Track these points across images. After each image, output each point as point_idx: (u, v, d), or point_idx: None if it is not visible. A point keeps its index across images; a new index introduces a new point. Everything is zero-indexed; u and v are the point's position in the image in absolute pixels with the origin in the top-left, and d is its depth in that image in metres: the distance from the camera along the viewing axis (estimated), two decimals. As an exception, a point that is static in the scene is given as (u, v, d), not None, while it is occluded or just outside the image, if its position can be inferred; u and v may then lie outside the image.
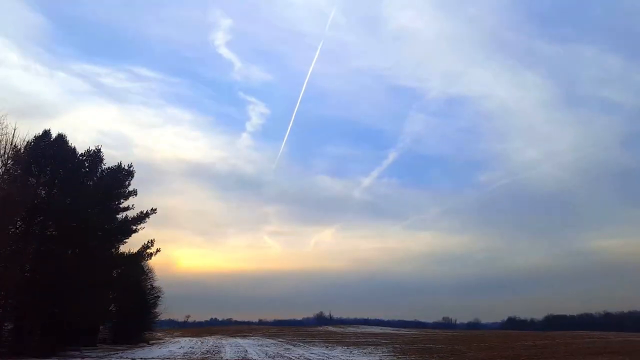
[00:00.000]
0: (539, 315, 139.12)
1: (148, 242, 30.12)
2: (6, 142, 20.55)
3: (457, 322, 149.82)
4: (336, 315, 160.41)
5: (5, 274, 20.16)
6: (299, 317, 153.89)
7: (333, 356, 26.00)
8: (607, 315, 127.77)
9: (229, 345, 36.67)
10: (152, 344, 39.33)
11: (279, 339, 47.06)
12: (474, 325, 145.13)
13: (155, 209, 30.10)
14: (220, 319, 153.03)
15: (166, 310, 48.95)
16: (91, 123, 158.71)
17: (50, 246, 24.87)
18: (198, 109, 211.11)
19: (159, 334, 58.26)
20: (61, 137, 26.91)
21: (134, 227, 29.82)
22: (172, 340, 48.11)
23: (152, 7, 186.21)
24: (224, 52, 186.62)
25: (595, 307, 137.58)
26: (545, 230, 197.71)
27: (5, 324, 23.06)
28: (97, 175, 28.78)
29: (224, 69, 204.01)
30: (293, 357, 24.91)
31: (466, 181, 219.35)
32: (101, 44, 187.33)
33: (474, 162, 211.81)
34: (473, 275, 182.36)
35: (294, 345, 36.82)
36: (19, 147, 22.09)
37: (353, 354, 27.99)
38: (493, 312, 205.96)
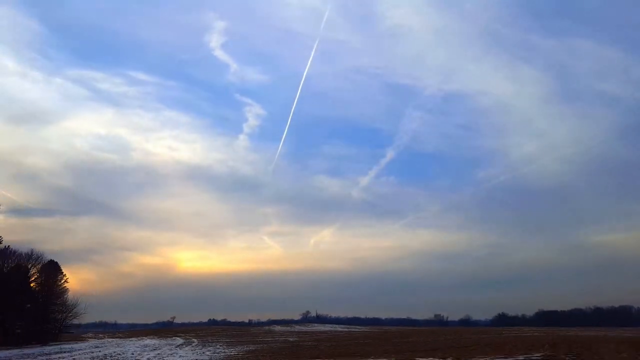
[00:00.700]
0: (530, 312, 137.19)
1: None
2: None
3: (449, 319, 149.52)
4: (334, 314, 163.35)
5: None
6: (296, 317, 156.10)
7: (181, 355, 28.86)
8: (598, 310, 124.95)
9: (116, 346, 40.06)
10: (52, 345, 43.12)
11: (193, 340, 50.20)
12: (465, 322, 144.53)
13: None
14: (218, 320, 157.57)
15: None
16: (89, 128, 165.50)
17: None
18: (195, 111, 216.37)
19: (90, 334, 62.79)
20: None
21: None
22: (77, 341, 51.91)
23: (147, 11, 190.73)
24: (219, 54, 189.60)
25: (589, 302, 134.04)
26: (544, 225, 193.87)
27: None
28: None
29: (219, 71, 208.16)
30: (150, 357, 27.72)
31: (465, 178, 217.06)
32: (96, 49, 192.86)
33: (472, 158, 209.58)
34: (470, 272, 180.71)
35: (188, 345, 39.81)
36: None
37: (215, 352, 30.65)
38: (485, 308, 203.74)
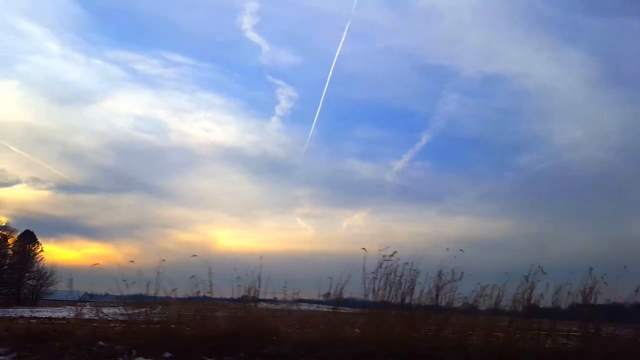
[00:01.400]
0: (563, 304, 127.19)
1: None
2: None
3: (479, 308, 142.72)
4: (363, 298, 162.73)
5: None
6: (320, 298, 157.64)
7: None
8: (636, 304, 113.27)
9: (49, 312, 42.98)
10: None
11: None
12: (494, 312, 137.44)
13: None
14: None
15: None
16: (127, 109, 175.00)
17: None
18: (229, 93, 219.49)
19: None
20: None
21: None
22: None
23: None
24: (252, 35, 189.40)
25: (632, 297, 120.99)
26: (590, 215, 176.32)
27: None
28: None
29: (252, 53, 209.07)
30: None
31: (505, 164, 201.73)
32: (133, 31, 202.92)
33: (512, 143, 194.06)
34: (508, 261, 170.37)
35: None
36: None
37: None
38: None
